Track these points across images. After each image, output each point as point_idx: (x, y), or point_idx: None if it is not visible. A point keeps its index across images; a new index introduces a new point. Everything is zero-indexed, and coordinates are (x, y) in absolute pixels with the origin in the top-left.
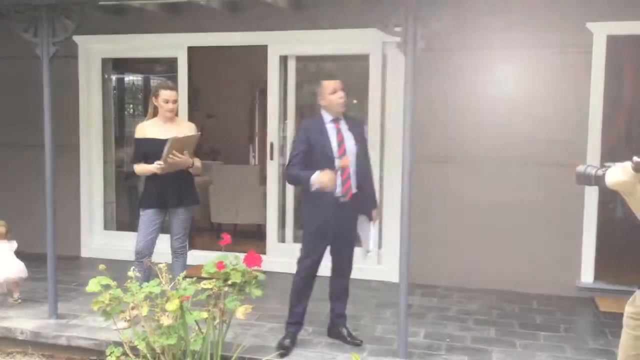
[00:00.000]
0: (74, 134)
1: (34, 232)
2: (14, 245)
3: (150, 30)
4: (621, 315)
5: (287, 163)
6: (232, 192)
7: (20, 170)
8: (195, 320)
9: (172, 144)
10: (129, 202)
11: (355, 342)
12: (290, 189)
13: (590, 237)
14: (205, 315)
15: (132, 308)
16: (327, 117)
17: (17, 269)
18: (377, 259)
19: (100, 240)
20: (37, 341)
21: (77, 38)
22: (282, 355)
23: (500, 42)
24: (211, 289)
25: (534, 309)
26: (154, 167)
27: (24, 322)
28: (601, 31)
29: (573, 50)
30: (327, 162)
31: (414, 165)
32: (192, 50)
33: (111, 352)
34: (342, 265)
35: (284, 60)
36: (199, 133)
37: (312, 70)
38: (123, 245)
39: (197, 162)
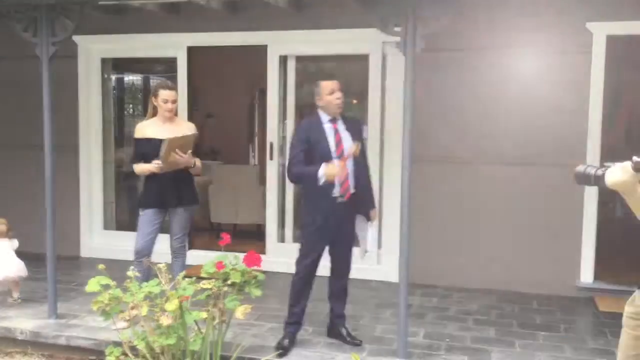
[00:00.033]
0: (73, 134)
1: (33, 232)
2: (15, 243)
3: (149, 30)
4: (621, 315)
5: (288, 162)
6: (232, 192)
7: (20, 170)
8: (195, 320)
9: (169, 144)
10: (128, 202)
11: (354, 342)
12: (290, 189)
13: (590, 237)
14: (204, 315)
15: (132, 308)
16: (324, 117)
17: (17, 267)
18: (377, 258)
19: (99, 240)
20: (36, 341)
21: (76, 38)
22: (281, 355)
23: (500, 42)
24: (211, 288)
25: (534, 309)
26: (153, 166)
27: (24, 322)
28: (601, 31)
29: (573, 50)
30: (325, 162)
31: (414, 165)
32: (191, 50)
33: (110, 352)
34: (341, 265)
35: (283, 60)
36: (196, 133)
37: (312, 70)
38: (123, 245)
39: (198, 162)
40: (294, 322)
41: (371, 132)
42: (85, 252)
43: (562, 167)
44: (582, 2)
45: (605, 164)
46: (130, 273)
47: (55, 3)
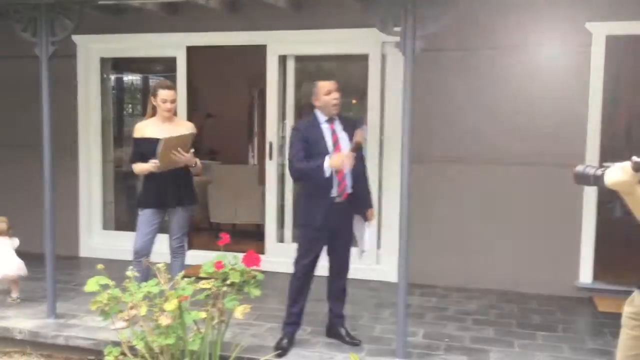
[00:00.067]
0: (72, 134)
1: (32, 232)
2: (15, 242)
3: (149, 30)
4: (620, 315)
5: (290, 160)
6: (231, 192)
7: (19, 170)
8: (194, 320)
9: (165, 143)
10: (127, 201)
11: (353, 342)
12: (289, 189)
13: (589, 237)
14: (203, 315)
15: (131, 308)
16: (321, 117)
17: (16, 266)
18: (376, 258)
19: (99, 240)
20: (35, 341)
21: (76, 37)
22: (279, 356)
23: (499, 42)
24: (210, 288)
25: (533, 309)
26: (150, 165)
27: (23, 321)
28: (600, 31)
29: (572, 50)
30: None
31: (413, 165)
32: (191, 50)
33: (109, 352)
34: (339, 265)
35: (283, 60)
36: (193, 132)
37: (311, 70)
38: (122, 245)
39: (198, 162)
40: (292, 323)
41: (370, 132)
42: (84, 252)
43: (562, 167)
44: (581, 2)
45: (605, 164)
46: (129, 273)
47: (54, 3)
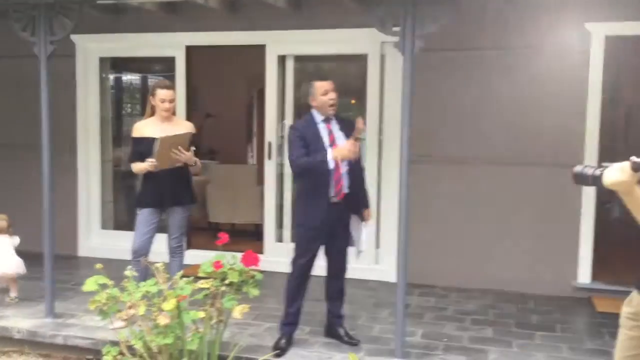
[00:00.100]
0: (71, 133)
1: (31, 231)
2: (15, 240)
3: (148, 30)
4: (618, 315)
5: (291, 157)
6: (230, 191)
7: (18, 170)
8: (193, 320)
9: (162, 142)
10: (126, 201)
11: (352, 342)
12: (288, 188)
13: (588, 237)
14: (202, 314)
15: (129, 307)
16: (318, 117)
17: (15, 265)
18: (375, 258)
19: (97, 240)
20: (33, 340)
21: (75, 37)
22: (278, 355)
23: (499, 42)
24: (208, 288)
25: (531, 309)
26: (147, 164)
27: (21, 321)
28: (600, 31)
29: (571, 51)
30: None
31: (412, 165)
32: (190, 50)
33: (108, 352)
34: (337, 265)
35: (282, 60)
36: (190, 132)
37: (310, 70)
38: (120, 244)
39: (198, 161)
40: (289, 322)
41: (369, 132)
42: (83, 251)
43: (560, 167)
44: (580, 3)
45: (603, 164)
46: (127, 272)
47: (53, 2)
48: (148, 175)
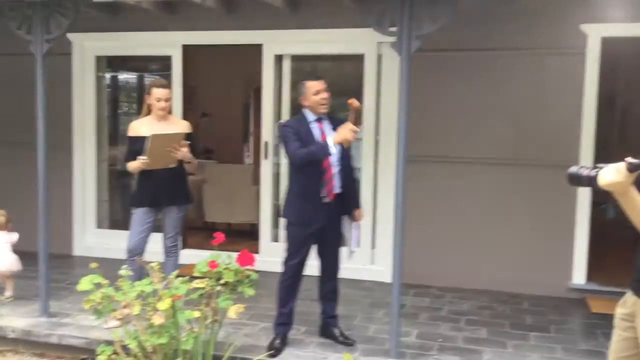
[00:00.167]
0: (67, 132)
1: (26, 230)
2: (14, 236)
3: (144, 28)
4: (612, 316)
5: (289, 151)
6: (226, 191)
7: (13, 168)
8: (187, 320)
9: (153, 140)
10: (122, 200)
11: (347, 342)
12: (284, 188)
13: (583, 238)
14: (197, 314)
15: (124, 307)
16: (310, 116)
17: (9, 261)
18: (371, 259)
19: (92, 239)
20: (28, 340)
21: (71, 35)
22: (272, 356)
23: (495, 43)
24: (203, 288)
25: (526, 309)
26: (138, 162)
27: (15, 320)
28: (596, 33)
29: (567, 52)
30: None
31: (408, 165)
32: (186, 49)
33: (102, 351)
34: (329, 266)
35: (279, 59)
36: (183, 132)
37: (307, 69)
38: (116, 243)
39: (193, 160)
40: (283, 323)
41: (366, 132)
42: (78, 250)
43: (556, 168)
44: (577, 4)
45: (598, 165)
46: (122, 272)
47: (49, 0)
48: (143, 174)
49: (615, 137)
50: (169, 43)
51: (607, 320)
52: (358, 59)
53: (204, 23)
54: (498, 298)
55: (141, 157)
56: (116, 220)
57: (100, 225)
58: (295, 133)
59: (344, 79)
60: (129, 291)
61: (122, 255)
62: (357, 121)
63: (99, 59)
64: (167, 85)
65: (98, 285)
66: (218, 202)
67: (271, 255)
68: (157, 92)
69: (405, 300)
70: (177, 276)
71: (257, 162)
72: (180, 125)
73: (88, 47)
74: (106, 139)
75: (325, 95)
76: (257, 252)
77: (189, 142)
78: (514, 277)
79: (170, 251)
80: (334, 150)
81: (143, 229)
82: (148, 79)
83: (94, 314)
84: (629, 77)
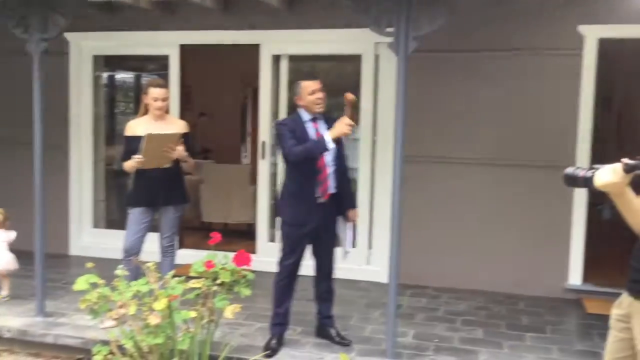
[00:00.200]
0: (64, 132)
1: (22, 230)
2: (11, 235)
3: (142, 28)
4: (608, 317)
5: (285, 148)
6: (224, 191)
7: (9, 167)
8: (184, 320)
9: (148, 139)
10: (118, 200)
11: (343, 343)
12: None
13: (579, 239)
14: (193, 314)
15: (120, 307)
16: (305, 116)
17: (5, 260)
18: (367, 259)
19: (89, 239)
20: (23, 339)
21: (68, 35)
22: (269, 356)
23: (493, 44)
24: (200, 288)
25: (522, 310)
26: (133, 161)
27: (11, 320)
28: (592, 34)
29: (565, 53)
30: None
31: (405, 165)
32: (184, 48)
33: (98, 351)
34: (324, 266)
35: (276, 59)
36: (179, 132)
37: (304, 69)
38: (112, 243)
39: (191, 160)
40: (279, 323)
41: (363, 132)
42: (74, 250)
43: (552, 169)
44: (574, 5)
45: (594, 166)
46: (119, 272)
47: None
48: (140, 174)
49: (612, 138)
50: (166, 42)
51: (602, 321)
52: (355, 59)
53: (201, 23)
54: (494, 299)
55: (136, 156)
56: (113, 220)
57: (96, 225)
58: (290, 131)
59: (341, 79)
60: (125, 291)
61: (119, 255)
62: (354, 116)
63: (96, 58)
64: (164, 85)
65: (94, 285)
66: (215, 202)
67: (268, 255)
68: (154, 92)
69: (402, 301)
70: (174, 276)
71: (254, 162)
72: (177, 125)
73: (85, 46)
74: (103, 139)
75: (320, 95)
76: (253, 252)
77: (181, 147)
78: (510, 278)
79: (167, 251)
80: (332, 145)
81: (139, 229)
82: (145, 78)
83: (90, 314)
84: (626, 78)
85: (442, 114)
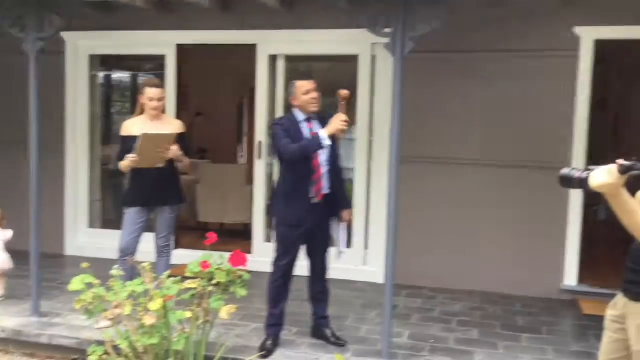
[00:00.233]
0: (60, 131)
1: (18, 229)
2: (8, 234)
3: (139, 28)
4: (604, 318)
5: (280, 147)
6: (220, 191)
7: (5, 167)
8: (179, 320)
9: (143, 139)
10: (114, 200)
11: (339, 343)
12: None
13: (575, 240)
14: (188, 314)
15: (115, 307)
16: (300, 116)
17: (0, 260)
18: (363, 260)
19: (84, 239)
20: (18, 339)
21: (64, 34)
22: (264, 357)
23: (489, 45)
24: (195, 288)
25: (517, 311)
26: (128, 161)
27: (6, 320)
28: (588, 36)
29: (560, 54)
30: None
31: (402, 165)
32: (180, 48)
33: (93, 351)
34: (318, 266)
35: (273, 59)
36: (174, 133)
37: (301, 70)
38: (108, 243)
39: (186, 160)
40: (274, 324)
41: (360, 132)
42: (70, 250)
43: (548, 170)
44: (570, 7)
45: (590, 167)
46: (114, 272)
47: None
48: (136, 174)
49: (608, 139)
50: (163, 42)
51: (598, 322)
52: (352, 59)
53: (198, 22)
54: (490, 299)
55: (130, 155)
56: (108, 220)
57: (92, 225)
58: (285, 130)
59: (337, 79)
60: (121, 291)
61: (114, 255)
62: (349, 112)
63: (92, 58)
64: (160, 85)
65: (89, 285)
66: (211, 202)
67: (264, 255)
68: (150, 92)
69: (398, 301)
70: (169, 276)
71: (251, 162)
72: (173, 125)
73: (82, 46)
74: (99, 139)
75: (315, 94)
76: (249, 252)
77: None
78: (506, 279)
79: (163, 251)
80: (328, 142)
81: (135, 229)
82: (142, 78)
83: (85, 314)
84: (622, 79)
85: (439, 115)
